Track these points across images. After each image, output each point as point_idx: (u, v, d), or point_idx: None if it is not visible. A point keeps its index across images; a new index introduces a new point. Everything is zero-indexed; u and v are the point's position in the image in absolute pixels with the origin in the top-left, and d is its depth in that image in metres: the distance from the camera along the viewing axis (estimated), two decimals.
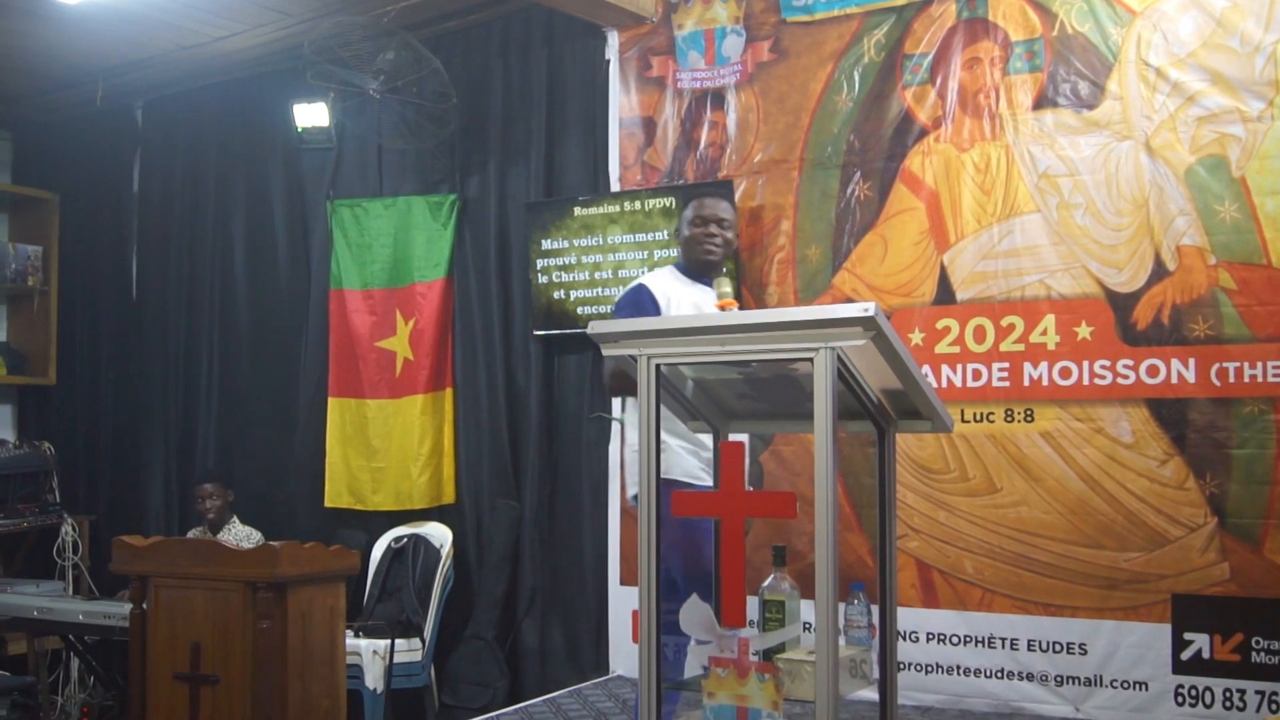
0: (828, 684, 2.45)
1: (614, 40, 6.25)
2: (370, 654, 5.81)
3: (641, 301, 4.20)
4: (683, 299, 4.23)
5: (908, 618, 5.20)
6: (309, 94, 6.62)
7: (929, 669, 5.16)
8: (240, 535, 6.53)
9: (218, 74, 7.48)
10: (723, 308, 3.68)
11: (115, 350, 8.14)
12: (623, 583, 6.02)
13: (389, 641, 5.84)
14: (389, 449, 6.82)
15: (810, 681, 2.55)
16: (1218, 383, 4.80)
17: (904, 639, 5.16)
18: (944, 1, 5.40)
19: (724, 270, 4.43)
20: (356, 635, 5.83)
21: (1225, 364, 4.79)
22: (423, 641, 6.17)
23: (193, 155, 7.90)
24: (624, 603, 5.97)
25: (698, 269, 4.35)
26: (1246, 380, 4.75)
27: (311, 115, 6.72)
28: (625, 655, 5.97)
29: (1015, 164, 5.20)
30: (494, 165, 6.69)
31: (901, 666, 5.00)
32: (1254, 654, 4.69)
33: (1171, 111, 4.92)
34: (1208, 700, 4.76)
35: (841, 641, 2.65)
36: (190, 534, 6.77)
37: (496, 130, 6.69)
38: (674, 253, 5.86)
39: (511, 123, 6.66)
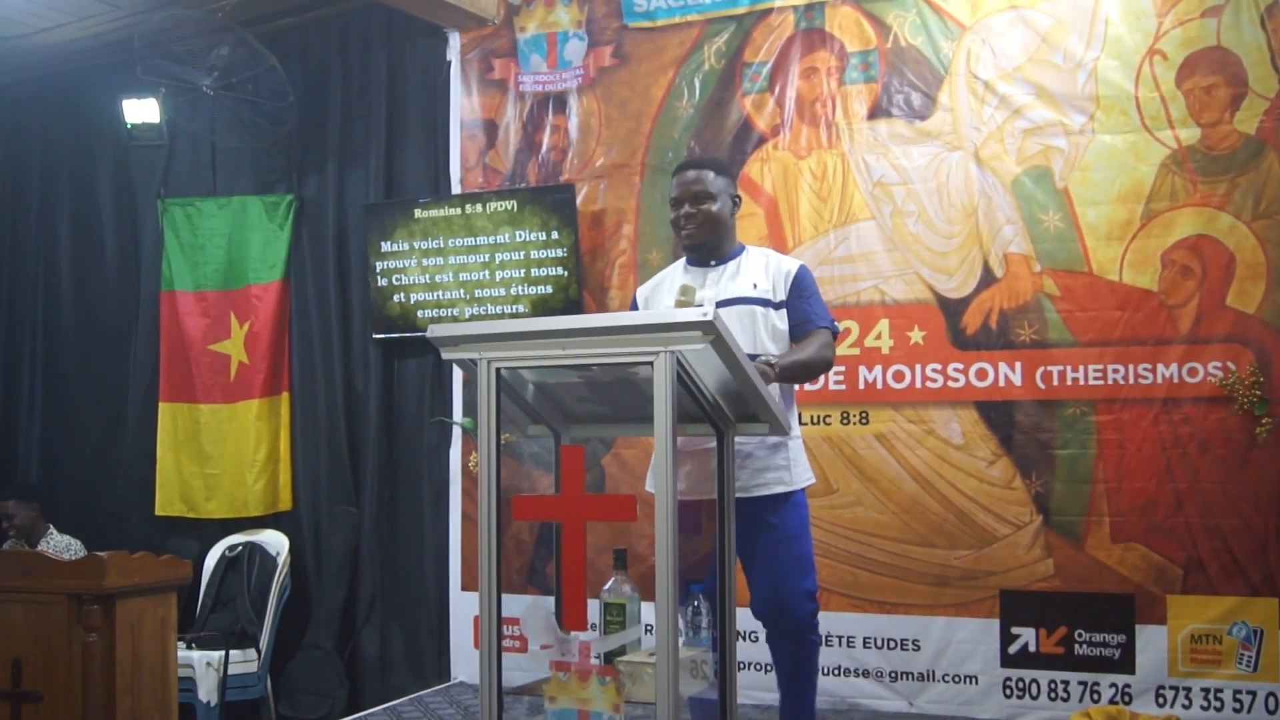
0: (668, 685, 2.47)
1: (455, 42, 6.20)
2: (204, 666, 5.67)
3: (632, 306, 3.95)
4: (663, 295, 3.82)
5: (747, 618, 5.25)
6: (139, 89, 6.43)
7: (768, 668, 5.21)
8: (59, 545, 6.29)
9: (42, 66, 7.19)
10: (679, 305, 3.47)
11: None
12: (464, 588, 5.98)
13: (223, 652, 5.70)
14: (223, 455, 6.66)
15: (651, 683, 2.56)
16: (1042, 385, 4.98)
17: (743, 639, 5.21)
18: (783, 11, 5.49)
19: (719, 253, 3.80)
20: (189, 647, 5.68)
21: (1049, 367, 4.97)
22: (258, 652, 6.04)
23: (15, 150, 7.59)
24: (465, 608, 5.93)
25: (691, 255, 3.84)
26: (1069, 383, 4.94)
27: (142, 111, 6.53)
28: (467, 661, 5.93)
29: (851, 172, 5.32)
30: (333, 166, 6.58)
31: (741, 666, 5.06)
32: (1077, 646, 4.88)
33: (999, 123, 5.09)
34: (1034, 692, 4.93)
35: (681, 643, 2.67)
36: (5, 546, 6.49)
37: (335, 130, 6.59)
38: (517, 256, 5.88)
39: (351, 123, 6.56)
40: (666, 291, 3.81)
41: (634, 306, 3.95)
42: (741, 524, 3.14)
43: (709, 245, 3.77)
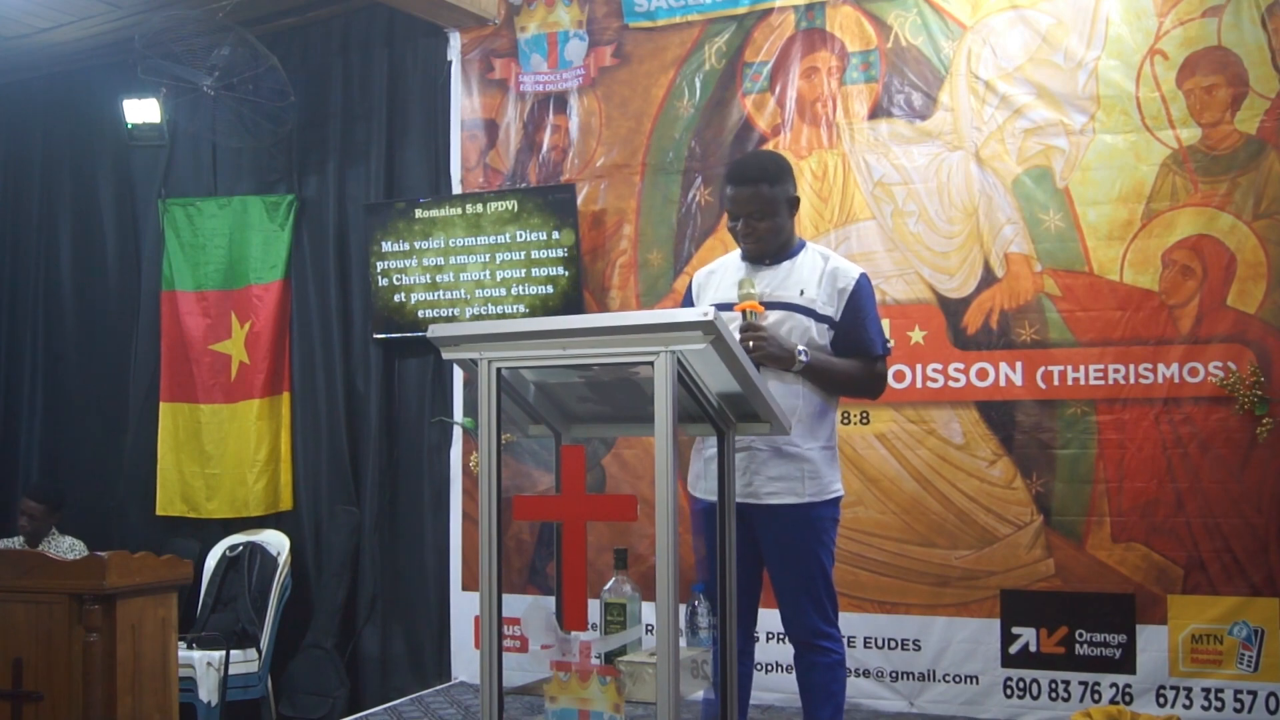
0: (669, 685, 2.46)
1: (456, 41, 6.20)
2: (204, 666, 5.66)
3: (687, 295, 3.81)
4: (718, 289, 3.66)
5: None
6: (140, 89, 6.42)
7: (769, 668, 5.23)
8: (62, 547, 6.28)
9: (43, 66, 7.21)
10: (741, 310, 3.39)
11: None
12: (465, 588, 5.98)
13: (224, 652, 5.69)
14: (224, 455, 6.66)
15: (652, 683, 2.56)
16: (1043, 385, 4.98)
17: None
18: (783, 11, 5.49)
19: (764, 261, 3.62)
20: (190, 647, 5.68)
21: (1050, 367, 4.97)
22: (259, 652, 6.03)
23: (15, 150, 7.60)
24: (466, 608, 5.94)
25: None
26: (1070, 383, 4.93)
27: (142, 111, 6.53)
28: (467, 661, 5.93)
29: (851, 172, 5.32)
30: (333, 165, 6.58)
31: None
32: (1077, 646, 4.88)
33: (1000, 123, 5.09)
34: (1035, 692, 4.92)
35: (682, 643, 2.67)
36: (2, 544, 6.47)
37: (336, 130, 6.59)
38: (517, 256, 5.87)
39: (351, 122, 6.56)
40: (728, 284, 3.61)
41: (689, 292, 3.80)
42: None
43: (769, 252, 3.62)
